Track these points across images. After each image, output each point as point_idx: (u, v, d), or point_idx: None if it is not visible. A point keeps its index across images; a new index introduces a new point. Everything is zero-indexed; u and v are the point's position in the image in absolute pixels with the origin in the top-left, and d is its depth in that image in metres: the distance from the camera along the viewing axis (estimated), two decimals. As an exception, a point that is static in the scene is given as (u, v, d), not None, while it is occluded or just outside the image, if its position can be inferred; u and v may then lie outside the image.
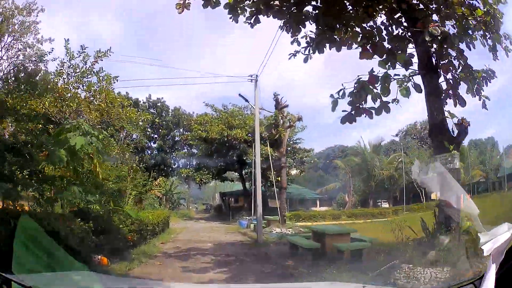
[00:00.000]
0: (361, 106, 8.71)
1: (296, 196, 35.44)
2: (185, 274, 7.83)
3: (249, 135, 27.10)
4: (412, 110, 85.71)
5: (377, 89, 8.32)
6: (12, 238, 2.84)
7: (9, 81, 9.84)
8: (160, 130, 46.61)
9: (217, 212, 37.90)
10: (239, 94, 15.31)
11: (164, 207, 38.75)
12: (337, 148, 71.49)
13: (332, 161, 59.97)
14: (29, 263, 2.70)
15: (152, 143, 48.78)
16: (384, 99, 8.27)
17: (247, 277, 7.66)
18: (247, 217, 28.47)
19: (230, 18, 8.17)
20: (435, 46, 8.47)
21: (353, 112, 8.66)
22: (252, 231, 20.39)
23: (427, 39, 7.99)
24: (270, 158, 18.05)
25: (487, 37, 8.54)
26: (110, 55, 9.61)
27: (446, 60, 8.80)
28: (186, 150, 32.35)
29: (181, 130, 33.44)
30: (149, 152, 47.70)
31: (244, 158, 27.30)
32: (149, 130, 47.91)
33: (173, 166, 47.04)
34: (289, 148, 30.33)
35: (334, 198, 39.41)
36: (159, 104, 48.43)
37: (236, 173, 33.00)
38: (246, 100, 15.46)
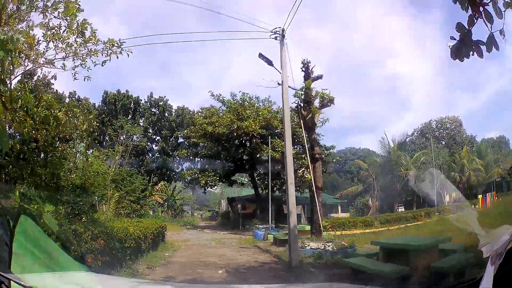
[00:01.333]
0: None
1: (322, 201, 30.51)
2: None
3: (263, 129, 22.41)
4: (414, 112, 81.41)
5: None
6: (11, 238, 2.52)
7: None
8: (163, 131, 42.21)
9: (224, 219, 32.97)
10: (260, 54, 10.59)
11: (166, 214, 34.04)
12: (348, 150, 66.79)
13: (345, 163, 55.16)
14: (29, 263, 2.42)
15: (154, 146, 44.42)
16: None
17: None
18: (263, 226, 23.61)
19: None
20: None
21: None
22: (272, 244, 15.55)
23: None
24: (305, 145, 13.24)
25: None
26: None
27: None
28: (189, 149, 27.46)
29: (185, 131, 28.80)
30: (150, 155, 43.33)
31: (258, 156, 22.55)
32: (150, 131, 43.58)
33: (176, 170, 42.54)
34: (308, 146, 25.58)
35: (354, 202, 34.39)
36: (161, 103, 44.17)
37: (247, 175, 28.20)
38: (270, 63, 10.78)
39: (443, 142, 57.00)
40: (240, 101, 23.85)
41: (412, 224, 23.52)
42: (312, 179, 12.65)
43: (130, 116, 42.67)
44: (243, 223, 25.67)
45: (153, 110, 43.77)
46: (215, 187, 30.53)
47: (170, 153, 40.71)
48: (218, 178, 24.05)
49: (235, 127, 21.47)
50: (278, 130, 23.80)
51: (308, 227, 16.45)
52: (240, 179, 29.37)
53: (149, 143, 43.40)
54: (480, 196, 29.36)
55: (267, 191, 26.53)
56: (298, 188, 25.85)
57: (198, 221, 36.34)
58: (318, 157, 12.62)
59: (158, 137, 43.70)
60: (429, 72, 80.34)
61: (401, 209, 34.59)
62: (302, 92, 12.93)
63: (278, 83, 14.03)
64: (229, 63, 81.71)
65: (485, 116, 74.61)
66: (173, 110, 43.24)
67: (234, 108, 22.74)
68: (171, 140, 41.73)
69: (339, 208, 32.56)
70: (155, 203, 33.95)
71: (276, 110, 24.15)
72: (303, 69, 13.86)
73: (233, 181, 27.12)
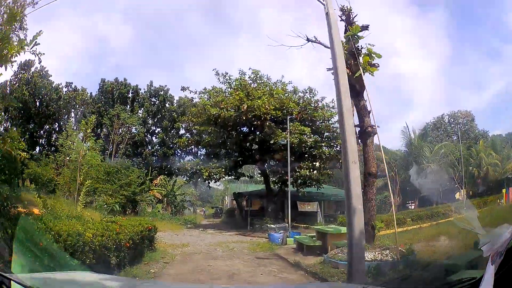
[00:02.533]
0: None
1: (334, 198, 26.58)
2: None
3: (278, 110, 18.48)
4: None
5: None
6: (11, 238, 2.62)
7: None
8: (163, 122, 38.36)
9: (230, 217, 29.11)
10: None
11: (166, 211, 30.27)
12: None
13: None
14: (29, 263, 2.49)
15: (154, 138, 40.52)
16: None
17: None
18: (275, 226, 19.78)
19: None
20: None
21: None
22: (295, 251, 11.73)
23: None
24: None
25: None
26: None
27: None
28: (191, 137, 23.35)
29: (186, 115, 24.86)
30: (150, 148, 39.49)
31: (272, 143, 18.55)
32: (150, 122, 39.74)
33: (178, 164, 38.68)
34: (327, 134, 21.70)
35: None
36: (161, 93, 40.34)
37: (256, 168, 24.36)
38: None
39: (454, 138, 54.30)
40: (251, 80, 19.82)
41: (444, 220, 20.48)
42: (363, 162, 8.76)
43: (128, 106, 38.96)
44: (252, 222, 21.88)
45: (153, 100, 40.03)
46: (220, 181, 26.65)
47: (171, 145, 36.93)
48: (223, 170, 20.16)
49: (245, 107, 17.54)
50: (294, 116, 19.94)
51: (344, 229, 12.58)
52: (247, 172, 25.48)
53: (148, 135, 39.71)
54: (504, 191, 26.69)
55: (279, 185, 22.71)
56: (318, 183, 22.05)
57: (201, 218, 32.51)
58: (371, 130, 8.67)
59: (158, 129, 39.96)
60: (432, 71, 76.18)
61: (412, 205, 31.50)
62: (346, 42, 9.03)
63: (308, 39, 10.27)
64: (234, 57, 77.77)
65: (489, 114, 70.88)
66: (175, 101, 39.49)
67: (244, 85, 18.78)
68: (172, 132, 37.93)
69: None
70: (153, 199, 30.22)
71: (292, 89, 20.22)
72: (343, 17, 9.98)
73: (239, 174, 23.22)
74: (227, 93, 20.45)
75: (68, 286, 2.24)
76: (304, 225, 22.64)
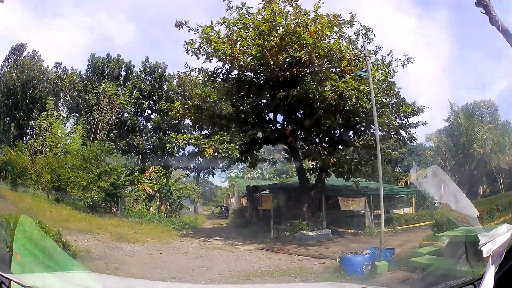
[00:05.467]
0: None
1: (386, 192, 19.17)
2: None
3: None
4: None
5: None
6: (11, 238, 2.39)
7: None
8: (159, 102, 31.17)
9: (240, 219, 21.57)
10: None
11: (159, 210, 22.96)
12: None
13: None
14: (29, 263, 2.25)
15: (149, 124, 33.24)
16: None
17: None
18: (315, 234, 12.57)
19: None
20: None
21: None
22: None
23: None
24: None
25: None
26: None
27: None
28: (186, 100, 16.07)
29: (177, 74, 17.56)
30: (144, 135, 32.22)
31: (322, 95, 10.62)
32: (144, 104, 32.51)
33: (177, 155, 31.38)
34: (386, 100, 14.41)
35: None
36: (159, 71, 33.18)
37: (279, 149, 16.96)
38: None
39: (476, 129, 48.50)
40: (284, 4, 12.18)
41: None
42: None
43: (121, 86, 31.87)
44: (276, 228, 14.52)
45: (149, 78, 32.91)
46: (227, 170, 19.21)
47: (168, 131, 29.71)
48: (236, 146, 12.61)
49: (278, 35, 10.12)
50: (342, 67, 12.53)
51: None
52: (264, 154, 17.99)
53: (142, 120, 32.56)
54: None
55: (316, 174, 15.30)
56: (374, 170, 14.71)
57: (203, 220, 25.08)
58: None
59: (154, 114, 32.78)
60: (435, 71, 69.32)
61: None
62: None
63: None
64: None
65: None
66: (175, 79, 32.27)
67: (269, 13, 11.09)
68: (169, 115, 30.62)
69: (413, 201, 21.12)
70: (143, 194, 22.96)
71: (347, 20, 12.52)
72: None
73: (257, 160, 15.73)
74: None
75: (68, 286, 2.18)
76: (352, 231, 15.25)
